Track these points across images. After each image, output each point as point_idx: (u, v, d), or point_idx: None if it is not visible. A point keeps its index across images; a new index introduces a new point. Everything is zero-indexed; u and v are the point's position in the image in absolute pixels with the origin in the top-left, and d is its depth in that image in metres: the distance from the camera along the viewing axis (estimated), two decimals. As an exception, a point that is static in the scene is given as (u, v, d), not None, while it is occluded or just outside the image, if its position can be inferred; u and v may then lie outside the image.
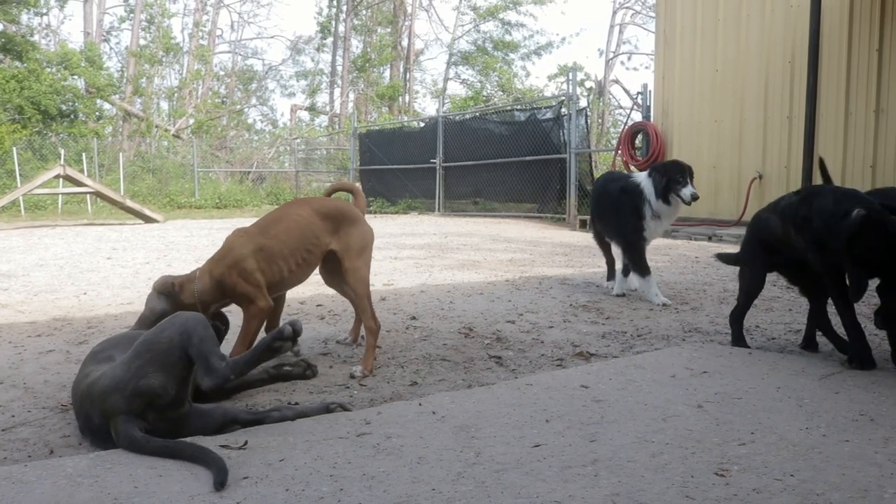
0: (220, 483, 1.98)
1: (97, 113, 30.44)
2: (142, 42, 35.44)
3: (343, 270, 3.42)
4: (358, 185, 4.28)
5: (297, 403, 2.83)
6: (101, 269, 7.23)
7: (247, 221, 14.93)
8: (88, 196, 18.92)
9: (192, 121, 32.33)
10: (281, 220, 3.33)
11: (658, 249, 8.75)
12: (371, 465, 2.12)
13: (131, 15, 36.07)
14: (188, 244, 9.94)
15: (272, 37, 71.82)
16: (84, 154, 23.04)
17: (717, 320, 4.52)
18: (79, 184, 14.37)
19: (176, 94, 35.66)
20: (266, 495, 1.93)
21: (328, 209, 3.43)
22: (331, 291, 5.66)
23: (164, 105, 36.40)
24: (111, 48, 38.99)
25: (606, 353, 3.70)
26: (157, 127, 30.58)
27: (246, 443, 2.25)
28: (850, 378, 3.06)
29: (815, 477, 2.02)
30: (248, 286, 3.16)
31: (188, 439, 2.29)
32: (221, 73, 39.84)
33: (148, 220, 14.74)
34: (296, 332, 2.49)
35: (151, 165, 25.93)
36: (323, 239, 3.37)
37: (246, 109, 39.06)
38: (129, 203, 14.86)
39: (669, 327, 4.34)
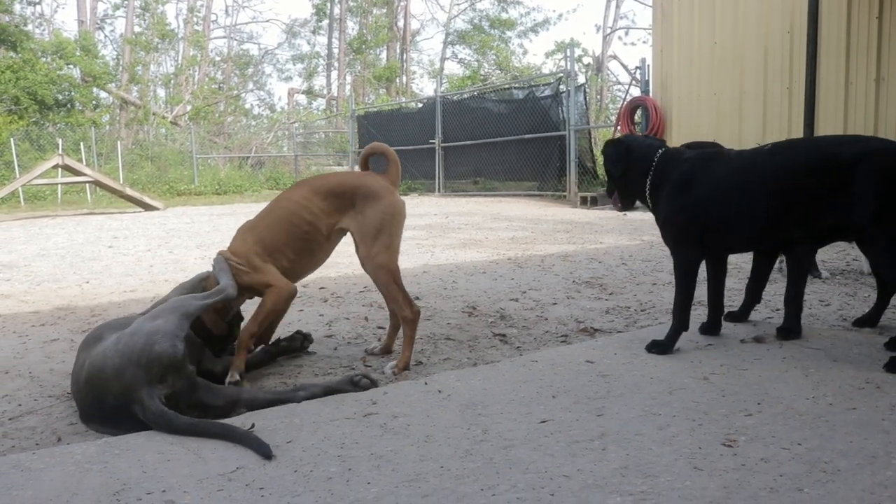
0: (267, 454, 2.06)
1: (94, 102, 30.36)
2: (136, 29, 35.30)
3: (359, 258, 3.12)
4: (393, 151, 3.56)
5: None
6: (102, 257, 7.23)
7: (247, 207, 14.94)
8: (88, 185, 18.88)
9: (189, 107, 32.25)
10: (273, 210, 3.10)
11: (655, 224, 8.73)
12: (378, 445, 2.12)
13: (125, 2, 35.89)
14: (189, 231, 9.93)
15: (267, 21, 71.34)
16: (82, 143, 22.96)
17: (720, 293, 4.50)
18: (78, 173, 14.33)
19: (172, 81, 35.55)
20: (275, 477, 1.93)
21: (330, 186, 3.08)
22: (334, 273, 5.67)
23: (161, 92, 36.36)
24: (106, 36, 38.86)
25: (611, 328, 3.70)
26: (154, 114, 30.52)
27: (253, 425, 2.25)
28: (855, 347, 3.06)
29: (822, 445, 2.02)
30: (257, 276, 2.97)
31: (218, 421, 2.33)
32: (217, 58, 39.73)
33: (148, 207, 14.72)
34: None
35: (150, 153, 25.87)
36: (322, 220, 3.03)
37: (243, 95, 38.98)
38: (129, 191, 14.83)
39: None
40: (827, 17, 9.60)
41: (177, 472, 1.98)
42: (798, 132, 9.76)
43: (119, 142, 24.39)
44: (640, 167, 3.26)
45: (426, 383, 2.71)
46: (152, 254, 7.38)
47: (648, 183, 3.24)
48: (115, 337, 2.48)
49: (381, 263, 3.00)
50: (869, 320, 3.48)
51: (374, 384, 2.70)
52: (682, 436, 2.12)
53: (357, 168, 3.52)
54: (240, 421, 2.32)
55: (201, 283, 3.05)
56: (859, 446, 2.00)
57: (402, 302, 3.03)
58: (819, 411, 2.29)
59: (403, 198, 3.28)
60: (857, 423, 2.18)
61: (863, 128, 9.36)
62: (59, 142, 21.98)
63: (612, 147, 3.37)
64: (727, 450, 2.01)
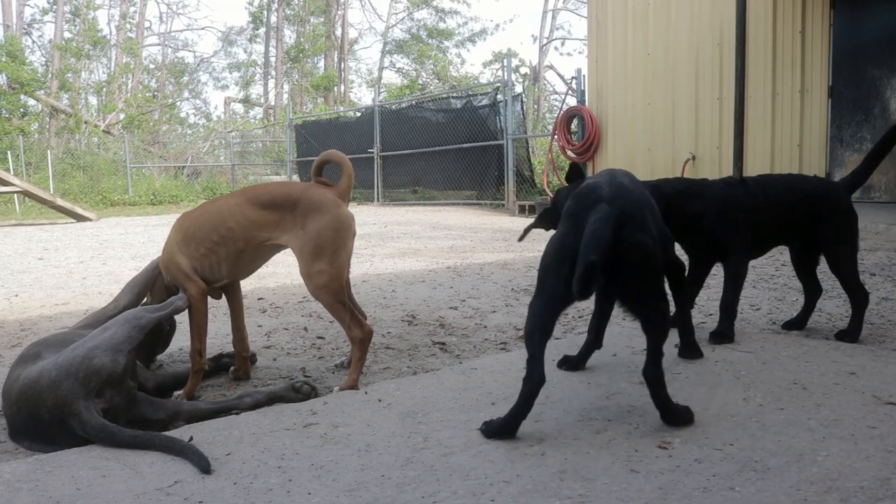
0: (205, 468, 2.02)
1: (22, 109, 29.54)
2: (67, 35, 34.42)
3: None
4: (347, 159, 3.38)
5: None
6: (32, 269, 7.04)
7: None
8: (16, 196, 18.34)
9: (122, 116, 31.57)
10: (208, 205, 3.01)
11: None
12: (319, 455, 2.12)
13: (54, 6, 34.97)
14: (123, 242, 9.73)
15: (203, 28, 70.76)
16: (9, 152, 22.32)
17: (655, 299, 4.60)
18: (5, 183, 13.92)
19: (105, 89, 34.75)
20: (214, 490, 1.91)
21: (269, 197, 2.85)
22: (272, 284, 5.62)
23: (93, 100, 35.50)
24: (34, 41, 37.85)
25: (549, 334, 3.74)
26: (86, 123, 29.76)
27: (191, 438, 2.22)
28: (783, 349, 3.16)
29: (753, 445, 2.08)
30: (175, 271, 2.90)
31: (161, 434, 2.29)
32: (151, 66, 38.99)
33: (80, 218, 14.36)
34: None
35: (82, 162, 25.24)
36: (248, 231, 2.83)
37: (178, 103, 38.29)
38: (60, 202, 14.45)
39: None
40: (754, 31, 9.91)
41: (112, 487, 1.94)
42: (729, 141, 10.05)
43: (49, 151, 23.76)
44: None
45: (366, 392, 2.71)
46: (85, 266, 7.21)
47: None
48: (57, 354, 2.45)
49: (321, 284, 2.78)
50: (797, 324, 3.61)
51: (315, 390, 2.72)
52: (618, 439, 2.16)
53: (295, 178, 3.48)
54: (178, 433, 2.29)
55: (153, 273, 3.04)
56: (787, 445, 2.07)
57: (350, 322, 2.84)
58: (750, 412, 2.36)
59: (342, 207, 3.22)
60: (786, 422, 2.25)
61: (790, 138, 9.68)
62: (-15, 151, 21.35)
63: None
64: (662, 452, 2.06)
